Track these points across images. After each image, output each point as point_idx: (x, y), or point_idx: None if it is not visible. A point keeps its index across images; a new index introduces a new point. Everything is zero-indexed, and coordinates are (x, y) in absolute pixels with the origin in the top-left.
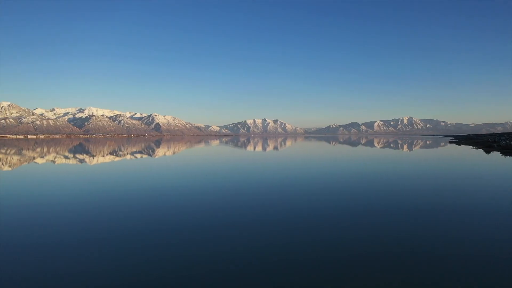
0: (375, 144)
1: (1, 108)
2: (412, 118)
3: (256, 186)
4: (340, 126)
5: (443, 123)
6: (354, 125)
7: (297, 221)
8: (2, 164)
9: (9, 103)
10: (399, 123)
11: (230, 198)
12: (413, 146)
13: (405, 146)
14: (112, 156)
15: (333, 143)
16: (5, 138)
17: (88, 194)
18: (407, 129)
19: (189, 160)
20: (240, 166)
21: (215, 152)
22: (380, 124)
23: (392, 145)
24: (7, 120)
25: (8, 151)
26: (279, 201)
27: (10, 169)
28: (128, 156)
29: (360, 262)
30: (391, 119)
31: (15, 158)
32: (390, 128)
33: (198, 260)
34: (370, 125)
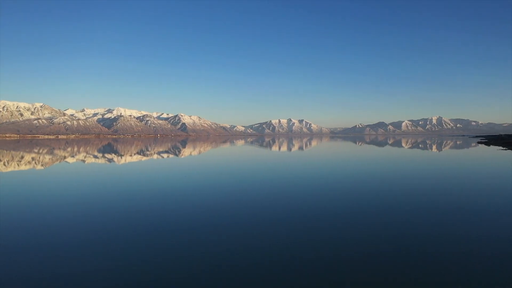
0: (402, 144)
1: (34, 109)
2: (442, 117)
3: (269, 186)
4: (367, 126)
5: (474, 123)
6: (381, 125)
7: (309, 220)
8: (35, 163)
9: (41, 104)
10: (427, 123)
11: (241, 198)
12: (439, 146)
13: (432, 147)
14: (136, 156)
15: (359, 143)
16: (38, 138)
17: (99, 193)
18: (436, 129)
19: (209, 160)
20: (260, 166)
21: (238, 152)
22: (408, 124)
23: (419, 146)
24: (39, 120)
25: (40, 150)
26: (293, 201)
27: (41, 168)
28: (152, 156)
29: (371, 262)
30: (419, 118)
31: (45, 157)
32: (419, 128)
33: (201, 260)
34: (397, 125)
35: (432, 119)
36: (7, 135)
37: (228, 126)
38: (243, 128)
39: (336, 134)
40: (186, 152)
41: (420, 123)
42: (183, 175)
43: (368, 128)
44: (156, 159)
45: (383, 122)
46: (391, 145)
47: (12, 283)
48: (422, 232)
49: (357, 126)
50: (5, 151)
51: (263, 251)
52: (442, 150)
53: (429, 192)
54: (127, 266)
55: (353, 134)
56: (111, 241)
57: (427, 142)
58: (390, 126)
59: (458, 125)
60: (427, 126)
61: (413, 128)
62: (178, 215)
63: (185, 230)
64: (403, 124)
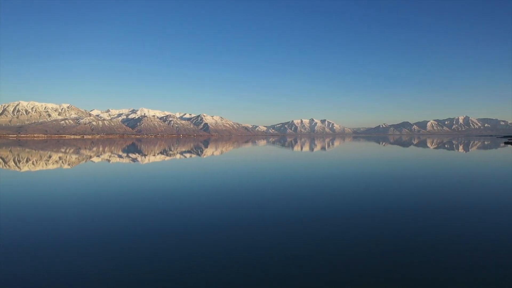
0: (427, 144)
1: (61, 109)
2: (469, 117)
3: (280, 186)
4: (391, 126)
5: (503, 123)
6: (405, 124)
7: (319, 220)
8: (62, 162)
9: (68, 104)
10: (454, 122)
11: (250, 198)
12: (466, 147)
13: (459, 147)
14: (157, 156)
15: (382, 144)
16: (64, 138)
17: (112, 193)
18: (463, 129)
19: (224, 160)
20: (274, 166)
21: (255, 152)
22: (433, 124)
23: (444, 146)
24: (66, 121)
25: (66, 150)
26: (305, 201)
27: (65, 167)
28: (172, 156)
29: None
30: (445, 118)
31: (71, 157)
32: (445, 128)
33: (205, 260)
34: (422, 124)
35: (458, 118)
36: (35, 135)
37: (250, 126)
38: (265, 128)
39: (359, 134)
40: (205, 152)
41: (446, 123)
42: (176, 176)
43: (392, 128)
44: (175, 159)
45: (407, 122)
46: (416, 145)
47: (18, 281)
48: (440, 236)
49: (381, 126)
50: (34, 151)
51: (268, 250)
52: (468, 150)
53: (449, 195)
54: (133, 266)
55: (376, 134)
56: (121, 240)
57: (453, 142)
58: (414, 126)
59: (486, 125)
60: (454, 126)
61: (438, 128)
62: (184, 215)
63: (191, 230)
64: (428, 124)
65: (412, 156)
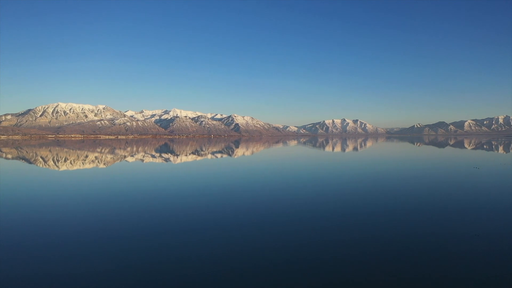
0: (465, 145)
1: (98, 110)
2: (509, 116)
3: (298, 187)
4: (426, 126)
5: None
6: (441, 124)
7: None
8: (98, 162)
9: (104, 106)
10: (493, 122)
11: (263, 199)
12: (506, 148)
13: (499, 148)
14: (186, 157)
15: (417, 144)
16: (99, 138)
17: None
18: (503, 129)
19: (251, 161)
20: (297, 167)
21: (286, 153)
22: (471, 124)
23: (482, 147)
24: (102, 121)
25: (102, 150)
26: (323, 203)
27: (101, 166)
28: (204, 156)
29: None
30: (484, 118)
31: (107, 157)
32: (483, 128)
33: (209, 260)
34: (459, 124)
35: (498, 118)
36: (72, 135)
37: (281, 127)
38: (296, 129)
39: (393, 135)
40: (235, 152)
41: (485, 122)
42: (201, 177)
43: (427, 128)
44: (205, 160)
45: (443, 122)
46: (452, 146)
47: (18, 281)
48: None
49: (415, 126)
50: (71, 151)
51: (280, 251)
52: (509, 151)
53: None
54: (139, 266)
55: (411, 135)
56: (132, 240)
57: (493, 143)
58: (451, 126)
59: None
60: (493, 126)
61: (476, 128)
62: (191, 215)
63: (203, 230)
64: (466, 123)
65: (447, 157)
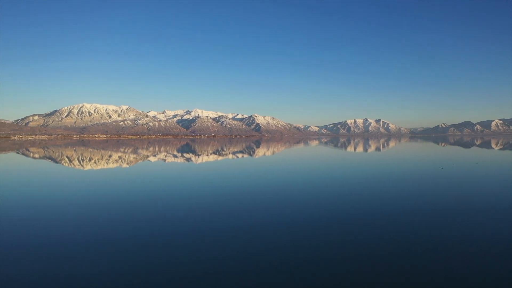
0: (492, 145)
1: (121, 111)
2: None
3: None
4: (451, 125)
5: None
6: (467, 124)
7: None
8: (121, 161)
9: (127, 106)
10: None
11: (272, 199)
12: None
13: None
14: (207, 157)
15: (442, 144)
16: (122, 138)
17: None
18: None
19: (268, 161)
20: (314, 167)
21: (306, 153)
22: (498, 123)
23: (511, 147)
24: (125, 122)
25: (126, 150)
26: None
27: (124, 166)
28: (225, 156)
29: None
30: None
31: (130, 156)
32: (511, 127)
33: (212, 261)
34: (486, 124)
35: None
36: (96, 135)
37: (302, 127)
38: (317, 129)
39: (416, 135)
40: (256, 152)
41: None
42: (221, 177)
43: (452, 128)
44: (225, 160)
45: (469, 122)
46: (479, 146)
47: (18, 281)
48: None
49: (440, 126)
50: (96, 150)
51: (282, 252)
52: None
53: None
54: (142, 267)
55: (435, 135)
56: (138, 240)
57: None
58: (477, 126)
59: None
60: None
61: (504, 127)
62: (207, 216)
63: (207, 231)
64: (493, 123)
65: (474, 157)
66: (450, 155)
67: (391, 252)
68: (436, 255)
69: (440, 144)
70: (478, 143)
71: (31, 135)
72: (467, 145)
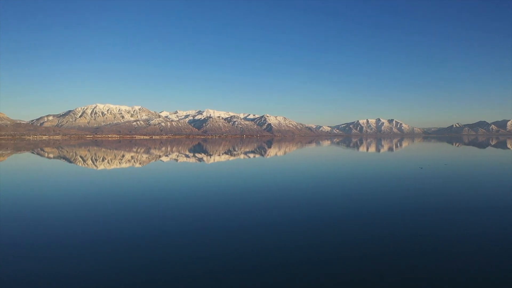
0: (508, 145)
1: (134, 111)
2: None
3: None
4: (465, 125)
5: None
6: (481, 124)
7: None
8: (134, 161)
9: (140, 106)
10: None
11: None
12: None
13: None
14: (218, 157)
15: (456, 145)
16: (135, 138)
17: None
18: None
19: (280, 161)
20: (321, 168)
21: (318, 153)
22: None
23: None
24: (138, 122)
25: (138, 150)
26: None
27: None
28: (237, 156)
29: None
30: None
31: (143, 156)
32: None
33: (214, 261)
34: (501, 124)
35: None
36: (109, 135)
37: (314, 127)
38: (329, 129)
39: (430, 135)
40: (263, 152)
41: None
42: (228, 177)
43: (466, 128)
44: (237, 160)
45: (484, 122)
46: (494, 146)
47: (19, 281)
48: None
49: (454, 126)
50: (109, 150)
51: (284, 252)
52: None
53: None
54: (143, 266)
55: (449, 135)
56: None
57: None
58: (492, 126)
59: None
60: None
61: None
62: (213, 215)
63: (199, 231)
64: (509, 123)
65: (488, 158)
66: (466, 156)
67: (393, 252)
68: (436, 255)
69: (454, 144)
70: (493, 143)
71: (45, 135)
72: (482, 145)
